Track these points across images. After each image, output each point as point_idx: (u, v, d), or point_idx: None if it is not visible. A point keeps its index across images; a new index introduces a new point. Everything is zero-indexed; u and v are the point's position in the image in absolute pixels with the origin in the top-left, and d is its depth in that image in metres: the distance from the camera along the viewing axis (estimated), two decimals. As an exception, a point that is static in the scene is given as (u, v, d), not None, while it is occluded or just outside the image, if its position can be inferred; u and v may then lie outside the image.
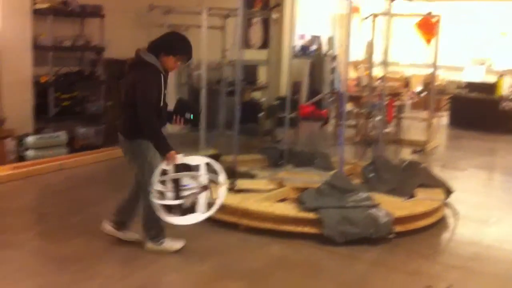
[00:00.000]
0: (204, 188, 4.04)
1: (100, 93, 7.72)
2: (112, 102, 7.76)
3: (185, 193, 4.00)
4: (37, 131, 6.78)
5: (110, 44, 7.66)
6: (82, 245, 4.30)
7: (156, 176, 3.95)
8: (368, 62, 9.39)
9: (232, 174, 5.40)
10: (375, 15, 8.71)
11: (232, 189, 5.22)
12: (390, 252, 4.38)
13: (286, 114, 6.72)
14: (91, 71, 7.66)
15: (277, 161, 6.37)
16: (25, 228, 4.50)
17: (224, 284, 3.77)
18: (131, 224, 4.34)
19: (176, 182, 4.00)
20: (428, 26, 8.83)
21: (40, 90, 7.03)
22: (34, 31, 6.88)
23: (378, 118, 8.38)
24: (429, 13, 8.83)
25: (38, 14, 6.92)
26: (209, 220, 4.77)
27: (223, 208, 4.77)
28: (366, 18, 9.19)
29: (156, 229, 4.18)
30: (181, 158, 4.02)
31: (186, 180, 4.02)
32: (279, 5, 10.02)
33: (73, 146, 7.17)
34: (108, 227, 4.30)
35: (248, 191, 5.37)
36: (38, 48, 6.94)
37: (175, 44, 4.11)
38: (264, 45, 10.84)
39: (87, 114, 7.52)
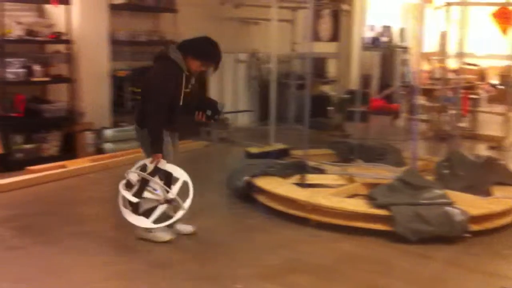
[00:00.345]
0: (167, 202, 4.05)
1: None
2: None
3: (147, 195, 4.04)
4: (114, 125, 7.03)
5: (182, 38, 7.80)
6: (157, 236, 4.43)
7: (135, 166, 4.04)
8: (442, 53, 9.13)
9: (302, 169, 5.41)
10: (449, 4, 8.44)
11: (301, 184, 5.26)
12: (466, 252, 4.26)
13: (356, 108, 6.66)
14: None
15: (347, 155, 6.31)
16: (102, 218, 4.69)
17: (293, 278, 3.79)
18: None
19: (146, 184, 4.05)
20: (505, 16, 8.48)
21: (117, 84, 7.28)
22: (110, 26, 7.13)
23: (452, 112, 8.16)
24: (506, 2, 8.48)
25: (114, 9, 7.16)
26: (279, 214, 4.84)
27: (293, 202, 4.82)
28: (440, 7, 8.93)
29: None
30: (164, 164, 4.07)
31: (156, 185, 4.05)
32: (350, -4, 9.91)
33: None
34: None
35: (317, 186, 5.38)
36: (115, 43, 7.19)
37: (206, 50, 4.20)
38: (334, 37, 10.74)
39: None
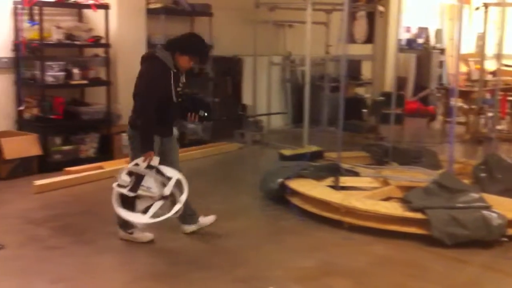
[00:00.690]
0: (164, 198, 4.00)
1: (208, 90, 7.94)
2: (219, 99, 7.99)
3: (142, 192, 4.01)
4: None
5: (217, 41, 7.88)
6: (192, 235, 4.47)
7: (129, 165, 4.05)
8: (480, 55, 8.98)
9: (336, 171, 5.39)
10: (487, 5, 8.30)
11: (335, 186, 5.24)
12: (503, 256, 4.18)
13: (391, 110, 6.59)
14: (200, 68, 7.89)
15: (382, 158, 6.27)
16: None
17: (328, 281, 3.78)
18: (196, 212, 4.51)
19: (140, 180, 4.01)
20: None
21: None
22: (147, 30, 7.23)
23: (490, 114, 8.01)
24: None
25: (150, 13, 7.27)
26: (313, 216, 4.84)
27: (327, 205, 4.81)
28: (478, 8, 8.78)
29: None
30: (156, 161, 4.07)
31: (151, 182, 4.01)
32: (385, -3, 9.82)
33: (182, 141, 7.46)
34: (184, 227, 4.46)
35: (351, 188, 5.36)
36: (151, 47, 7.27)
37: (192, 45, 4.21)
38: (369, 39, 10.65)
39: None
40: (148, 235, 4.33)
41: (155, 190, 4.01)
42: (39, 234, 4.43)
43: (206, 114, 4.31)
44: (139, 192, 4.02)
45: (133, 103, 4.27)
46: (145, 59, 4.25)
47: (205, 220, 4.52)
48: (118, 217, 4.24)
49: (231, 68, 8.35)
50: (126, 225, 4.25)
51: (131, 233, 4.30)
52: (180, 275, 3.79)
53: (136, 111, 4.19)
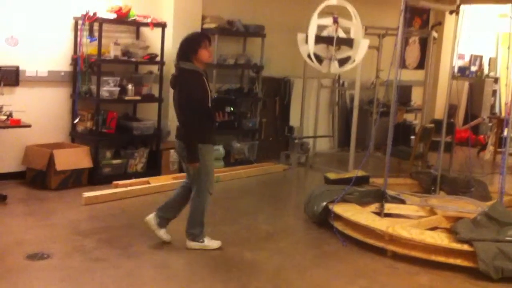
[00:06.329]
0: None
1: (257, 110, 8.00)
2: (266, 119, 8.05)
3: None
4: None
5: (268, 62, 7.96)
6: (235, 255, 4.50)
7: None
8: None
9: (381, 197, 5.33)
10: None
11: (380, 213, 5.18)
12: (553, 295, 4.04)
13: (441, 138, 6.48)
14: (250, 88, 7.97)
15: (429, 186, 6.16)
16: (184, 234, 4.81)
17: (369, 309, 3.74)
18: (169, 224, 4.67)
19: None
20: None
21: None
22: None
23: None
24: None
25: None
26: (356, 242, 4.80)
27: (370, 231, 4.76)
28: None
29: (199, 229, 4.50)
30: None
31: None
32: (440, 24, 9.70)
33: (228, 160, 7.53)
34: (151, 217, 4.62)
35: (396, 216, 5.28)
36: (203, 66, 7.41)
37: (195, 39, 4.42)
38: (420, 65, 10.55)
39: (244, 129, 7.80)
40: (217, 242, 4.57)
41: None
42: (85, 245, 4.52)
43: (232, 109, 4.45)
44: None
45: (179, 120, 4.45)
46: (178, 77, 4.39)
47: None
48: (190, 228, 4.51)
49: (280, 89, 8.41)
50: (199, 234, 4.51)
51: (202, 242, 4.50)
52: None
53: (182, 123, 4.40)
